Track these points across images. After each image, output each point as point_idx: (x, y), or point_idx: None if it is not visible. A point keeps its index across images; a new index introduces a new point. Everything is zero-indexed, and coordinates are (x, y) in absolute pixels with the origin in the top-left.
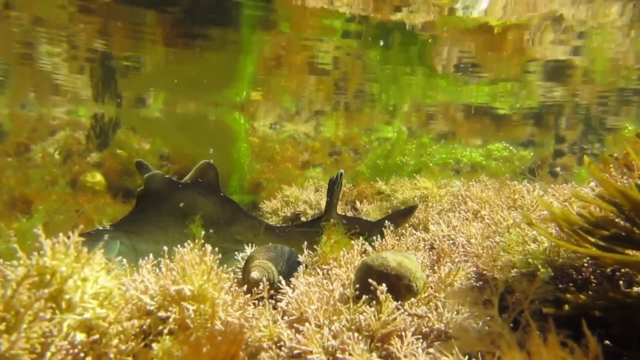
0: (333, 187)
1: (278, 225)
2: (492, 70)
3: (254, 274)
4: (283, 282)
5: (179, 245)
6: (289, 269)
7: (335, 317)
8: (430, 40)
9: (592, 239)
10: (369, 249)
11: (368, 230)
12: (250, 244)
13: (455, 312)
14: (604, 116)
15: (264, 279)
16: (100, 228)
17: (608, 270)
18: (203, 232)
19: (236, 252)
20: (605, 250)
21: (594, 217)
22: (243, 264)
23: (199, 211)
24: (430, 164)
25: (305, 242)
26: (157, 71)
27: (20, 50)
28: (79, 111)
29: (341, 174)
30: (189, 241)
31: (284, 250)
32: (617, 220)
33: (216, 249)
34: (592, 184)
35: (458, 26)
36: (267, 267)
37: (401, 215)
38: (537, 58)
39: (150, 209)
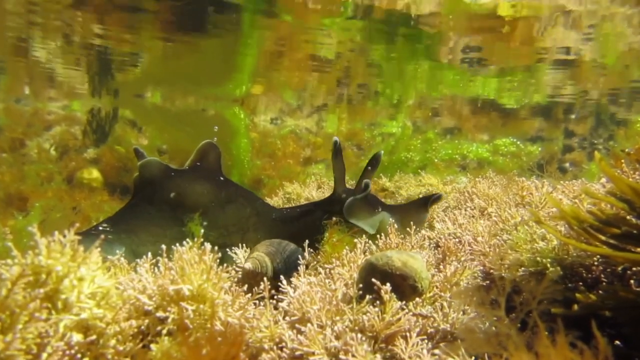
0: (336, 157)
1: (283, 209)
2: (499, 62)
3: (247, 265)
4: (284, 281)
5: (177, 244)
6: (286, 267)
7: (338, 318)
8: (436, 32)
9: (603, 238)
10: (373, 247)
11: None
12: (244, 237)
13: (461, 312)
14: (615, 110)
15: (257, 271)
16: (100, 228)
17: (619, 269)
18: (202, 230)
19: (239, 249)
20: (616, 249)
21: (605, 215)
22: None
23: (196, 202)
24: (436, 160)
25: (307, 241)
26: (154, 64)
27: (14, 42)
28: (73, 105)
29: (379, 155)
30: (187, 239)
31: (287, 247)
32: (628, 217)
33: (216, 247)
34: (603, 180)
35: (467, 11)
36: (262, 260)
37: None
38: (546, 48)
39: (147, 202)
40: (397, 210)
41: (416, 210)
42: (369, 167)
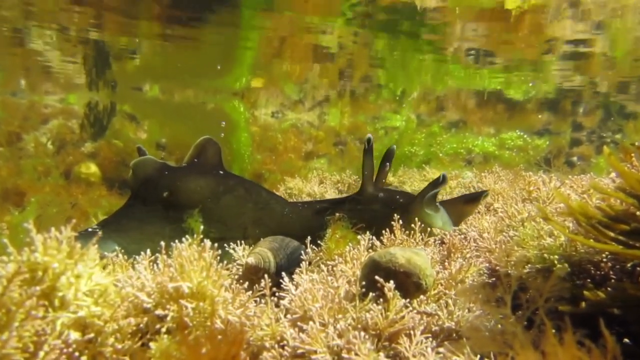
0: (367, 155)
1: (298, 204)
2: (506, 54)
3: (250, 260)
4: (286, 278)
5: (177, 241)
6: (289, 263)
7: (340, 316)
8: (440, 24)
9: (612, 234)
10: (377, 243)
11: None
12: (245, 233)
13: (466, 310)
14: (625, 102)
15: (260, 266)
16: (90, 229)
17: (628, 265)
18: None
19: (238, 245)
20: (625, 246)
21: (614, 211)
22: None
23: (190, 198)
24: (441, 154)
25: (309, 237)
26: (152, 56)
27: (10, 34)
28: (70, 98)
29: (393, 149)
30: (187, 236)
31: (290, 244)
32: (638, 214)
33: (216, 244)
34: (613, 174)
35: (473, 5)
36: (265, 256)
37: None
38: (555, 38)
39: (141, 202)
40: (446, 206)
41: (464, 204)
42: (387, 163)
